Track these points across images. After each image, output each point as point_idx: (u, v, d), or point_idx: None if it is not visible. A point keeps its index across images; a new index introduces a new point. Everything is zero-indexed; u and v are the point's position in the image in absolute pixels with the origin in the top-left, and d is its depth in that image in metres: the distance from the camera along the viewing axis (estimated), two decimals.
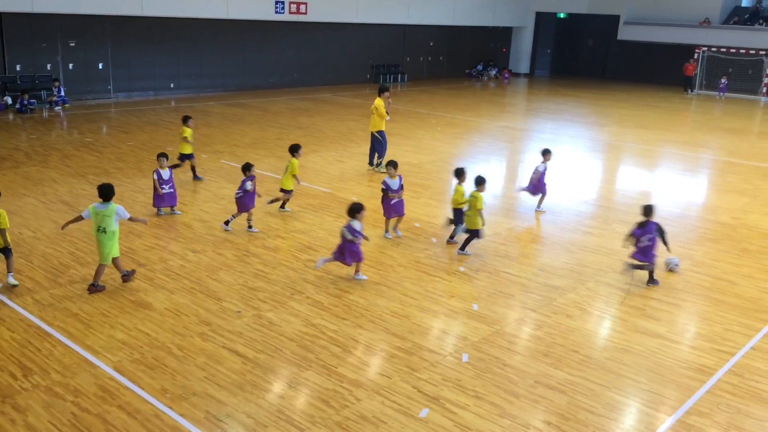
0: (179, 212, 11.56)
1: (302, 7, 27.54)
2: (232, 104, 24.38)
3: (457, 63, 37.72)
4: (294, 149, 11.70)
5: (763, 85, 32.46)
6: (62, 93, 22.19)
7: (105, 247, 8.26)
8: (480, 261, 9.92)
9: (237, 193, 10.72)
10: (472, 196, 9.98)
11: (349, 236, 8.83)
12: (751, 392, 6.69)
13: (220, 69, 27.15)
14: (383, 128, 15.16)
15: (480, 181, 10.07)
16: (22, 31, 21.90)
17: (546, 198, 12.64)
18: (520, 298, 8.73)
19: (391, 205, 10.64)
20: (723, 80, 32.54)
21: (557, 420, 6.08)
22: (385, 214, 10.75)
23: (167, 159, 11.56)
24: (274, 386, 6.48)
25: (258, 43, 28.00)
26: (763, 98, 32.25)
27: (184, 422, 5.84)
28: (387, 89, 15.27)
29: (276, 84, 29.00)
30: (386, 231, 10.78)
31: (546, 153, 12.53)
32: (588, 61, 40.62)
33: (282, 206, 11.90)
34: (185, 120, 13.68)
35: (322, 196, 12.91)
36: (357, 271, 9.07)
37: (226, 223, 10.80)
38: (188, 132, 13.47)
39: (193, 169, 13.81)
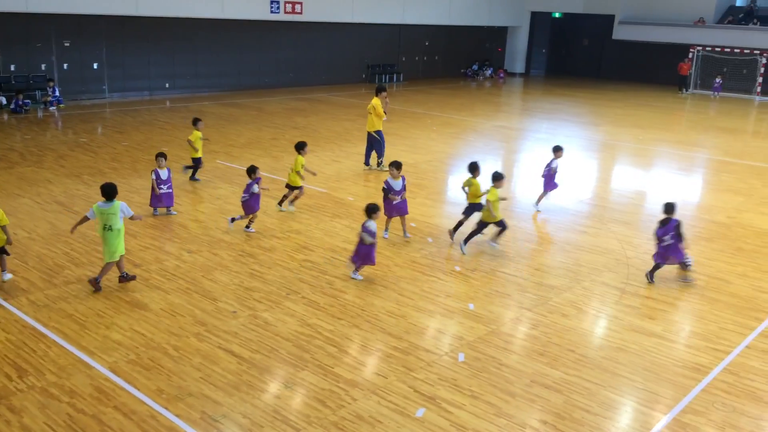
0: (176, 213, 11.55)
1: (297, 7, 27.55)
2: (227, 104, 24.35)
3: (453, 63, 37.74)
4: (300, 146, 11.72)
5: (757, 84, 32.59)
6: (57, 93, 22.14)
7: (112, 245, 8.29)
8: (476, 261, 9.94)
9: (243, 197, 10.68)
10: (488, 191, 10.03)
11: (369, 239, 8.82)
12: (746, 391, 6.71)
13: (216, 69, 27.11)
14: (381, 128, 15.19)
15: (497, 177, 10.06)
16: (16, 31, 21.86)
17: (545, 198, 12.71)
18: (516, 297, 8.75)
19: (393, 205, 10.63)
20: (717, 80, 32.62)
21: (553, 419, 6.10)
22: (385, 213, 10.68)
23: (166, 159, 11.54)
24: (270, 386, 6.47)
25: (253, 42, 27.96)
26: (757, 97, 32.36)
27: (180, 423, 5.83)
28: (384, 89, 15.29)
29: (271, 84, 28.97)
30: (385, 230, 10.76)
31: (557, 150, 12.55)
32: (583, 60, 40.69)
33: (291, 202, 11.95)
34: (195, 122, 13.71)
35: (318, 196, 12.90)
36: (356, 270, 9.08)
37: (232, 220, 10.77)
38: (195, 135, 13.46)
39: (193, 170, 13.82)
